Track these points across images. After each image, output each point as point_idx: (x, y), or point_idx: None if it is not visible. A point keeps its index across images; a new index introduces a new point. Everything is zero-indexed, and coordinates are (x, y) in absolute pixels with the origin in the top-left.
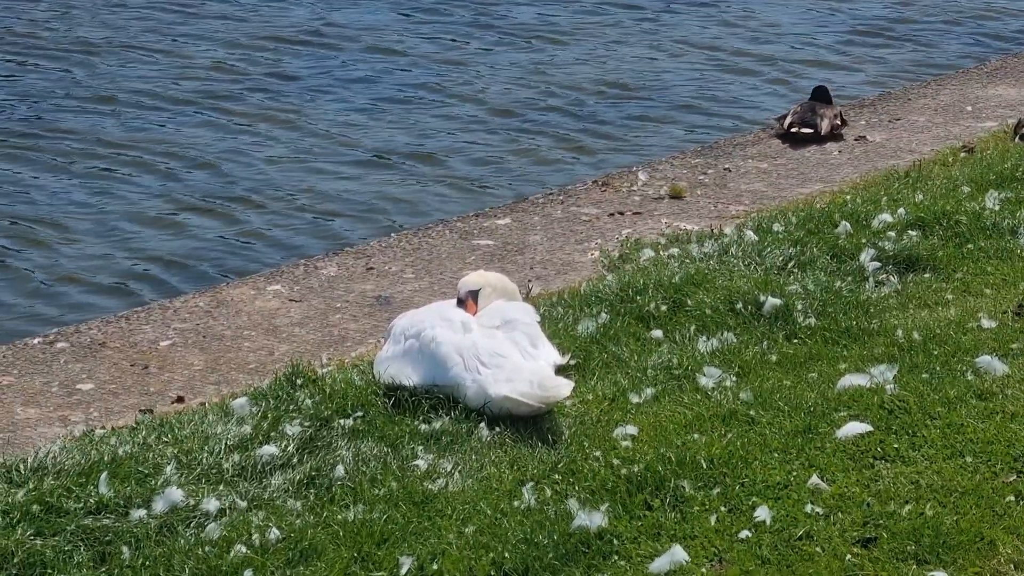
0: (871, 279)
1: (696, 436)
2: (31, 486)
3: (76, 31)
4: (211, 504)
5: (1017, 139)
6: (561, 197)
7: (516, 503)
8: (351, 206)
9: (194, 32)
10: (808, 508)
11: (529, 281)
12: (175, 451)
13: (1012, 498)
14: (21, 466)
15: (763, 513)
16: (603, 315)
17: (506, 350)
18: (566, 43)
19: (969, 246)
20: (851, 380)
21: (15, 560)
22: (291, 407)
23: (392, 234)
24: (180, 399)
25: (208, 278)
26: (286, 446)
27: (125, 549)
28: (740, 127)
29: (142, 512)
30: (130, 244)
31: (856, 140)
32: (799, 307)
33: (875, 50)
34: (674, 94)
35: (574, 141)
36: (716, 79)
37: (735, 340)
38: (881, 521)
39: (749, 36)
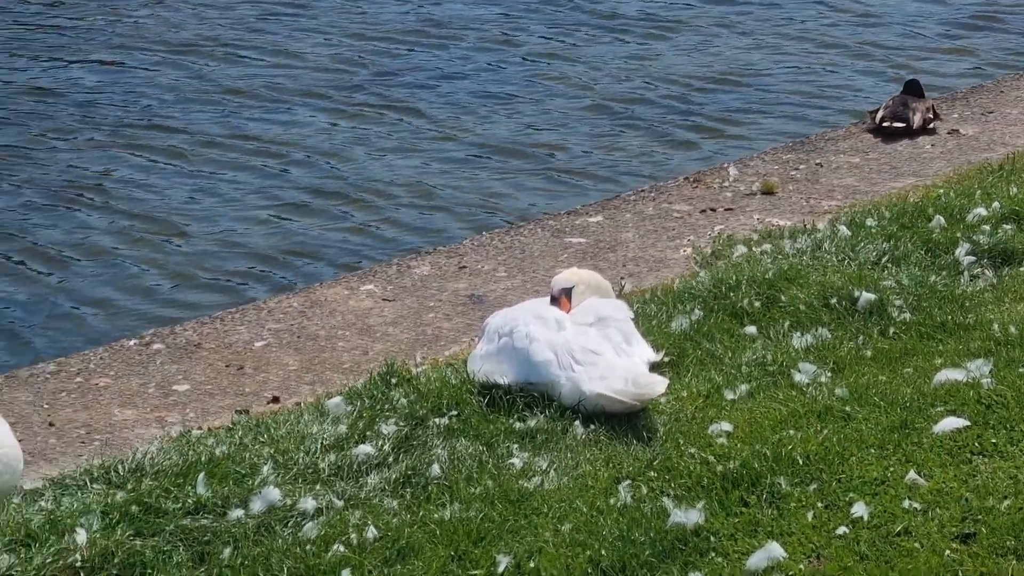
0: (966, 273)
1: (792, 432)
2: (130, 487)
3: (187, 28)
4: (308, 503)
5: None
6: (653, 194)
7: (612, 501)
8: (455, 201)
9: (303, 27)
10: (906, 504)
11: (622, 278)
12: (271, 451)
13: None
14: (120, 467)
15: (860, 509)
16: (696, 312)
17: (600, 347)
18: (671, 34)
19: None
20: (947, 375)
21: (115, 560)
22: (386, 406)
23: (484, 232)
24: (275, 399)
25: (313, 275)
26: (382, 445)
27: (224, 549)
28: (837, 118)
29: (240, 512)
30: (235, 240)
31: (949, 134)
32: (894, 302)
33: (987, 36)
34: (774, 85)
35: (673, 134)
36: (817, 70)
37: (829, 336)
38: (980, 516)
39: (855, 24)
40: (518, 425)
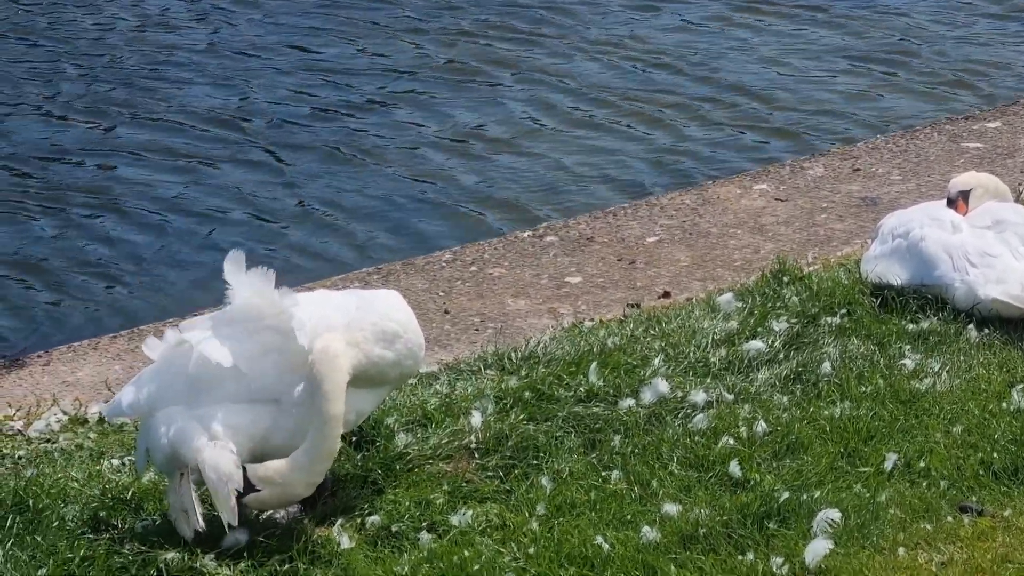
0: None
1: None
2: (523, 374)
3: None
4: (699, 396)
5: None
6: None
7: (1005, 404)
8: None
9: None
10: None
11: (1020, 185)
12: (662, 344)
13: None
14: (513, 355)
15: None
16: None
17: (996, 251)
18: None
19: None
20: None
21: (509, 443)
22: (777, 304)
23: (879, 136)
24: (666, 294)
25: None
26: (772, 341)
27: (615, 436)
28: None
29: (631, 401)
30: (631, 137)
31: None
32: None
33: None
34: None
35: None
36: None
37: None
38: None
39: None
40: (910, 326)
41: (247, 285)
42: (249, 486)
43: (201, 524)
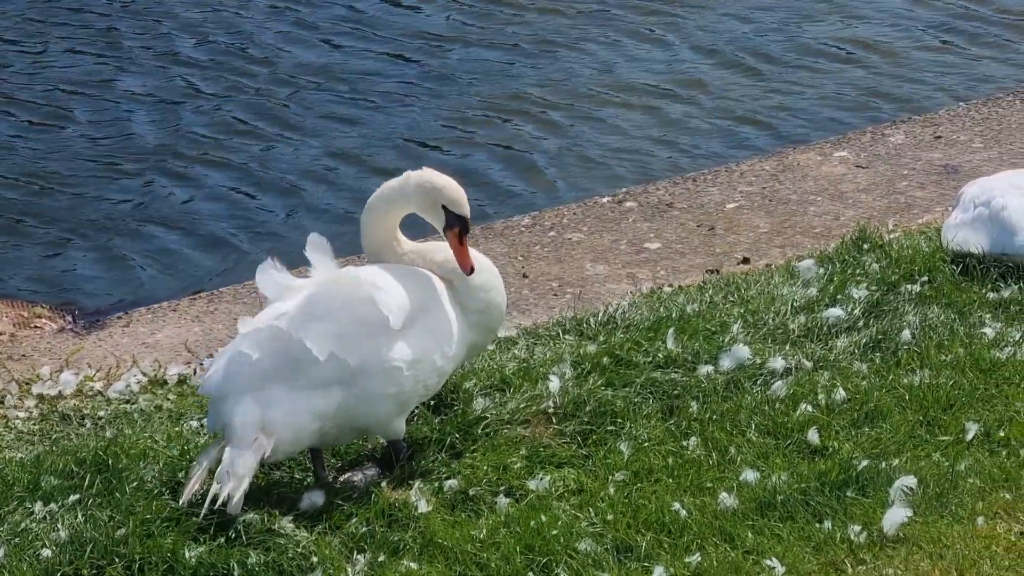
0: None
1: None
2: (601, 339)
3: None
4: (777, 363)
5: None
6: None
7: None
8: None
9: None
10: None
11: None
12: (741, 310)
13: None
14: (591, 320)
15: None
16: None
17: None
18: None
19: None
20: None
21: (587, 408)
22: (857, 271)
23: (961, 104)
24: (745, 260)
25: (785, 139)
26: (852, 309)
27: (692, 403)
28: None
29: (709, 368)
30: (709, 103)
31: None
32: None
33: None
34: None
35: None
36: None
37: None
38: None
39: None
40: (991, 295)
41: (325, 265)
42: None
43: (187, 497)
